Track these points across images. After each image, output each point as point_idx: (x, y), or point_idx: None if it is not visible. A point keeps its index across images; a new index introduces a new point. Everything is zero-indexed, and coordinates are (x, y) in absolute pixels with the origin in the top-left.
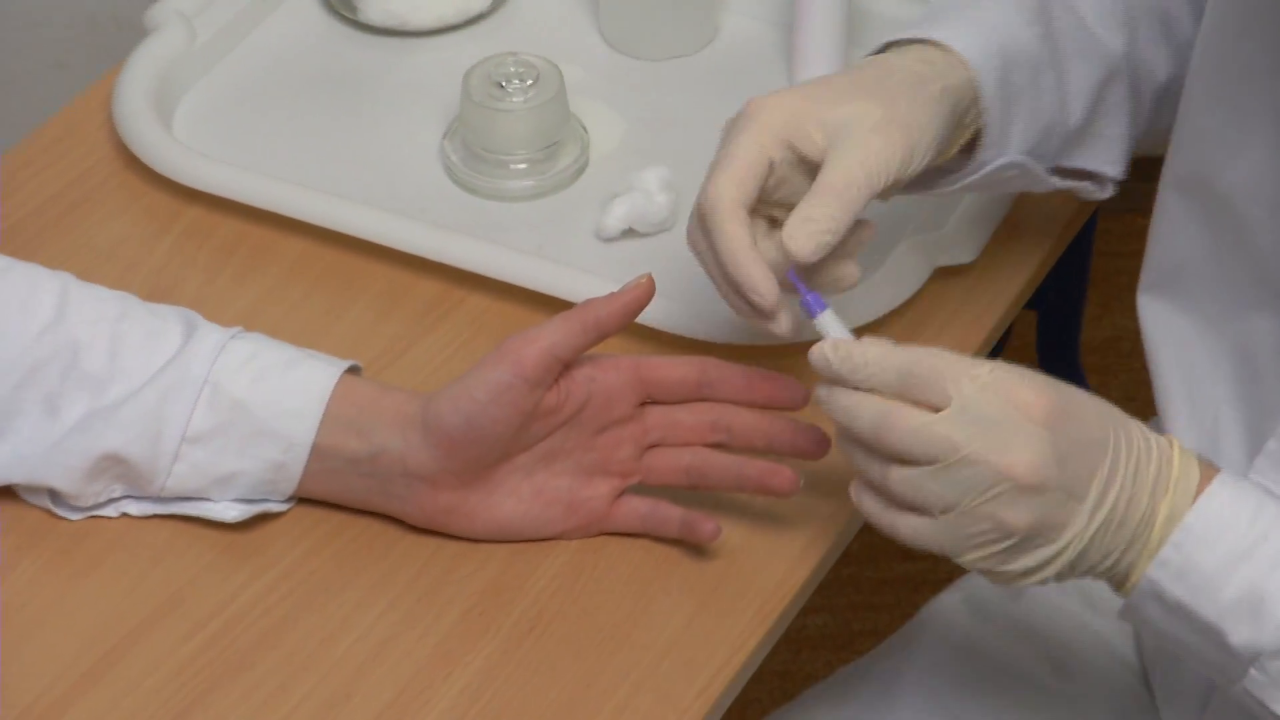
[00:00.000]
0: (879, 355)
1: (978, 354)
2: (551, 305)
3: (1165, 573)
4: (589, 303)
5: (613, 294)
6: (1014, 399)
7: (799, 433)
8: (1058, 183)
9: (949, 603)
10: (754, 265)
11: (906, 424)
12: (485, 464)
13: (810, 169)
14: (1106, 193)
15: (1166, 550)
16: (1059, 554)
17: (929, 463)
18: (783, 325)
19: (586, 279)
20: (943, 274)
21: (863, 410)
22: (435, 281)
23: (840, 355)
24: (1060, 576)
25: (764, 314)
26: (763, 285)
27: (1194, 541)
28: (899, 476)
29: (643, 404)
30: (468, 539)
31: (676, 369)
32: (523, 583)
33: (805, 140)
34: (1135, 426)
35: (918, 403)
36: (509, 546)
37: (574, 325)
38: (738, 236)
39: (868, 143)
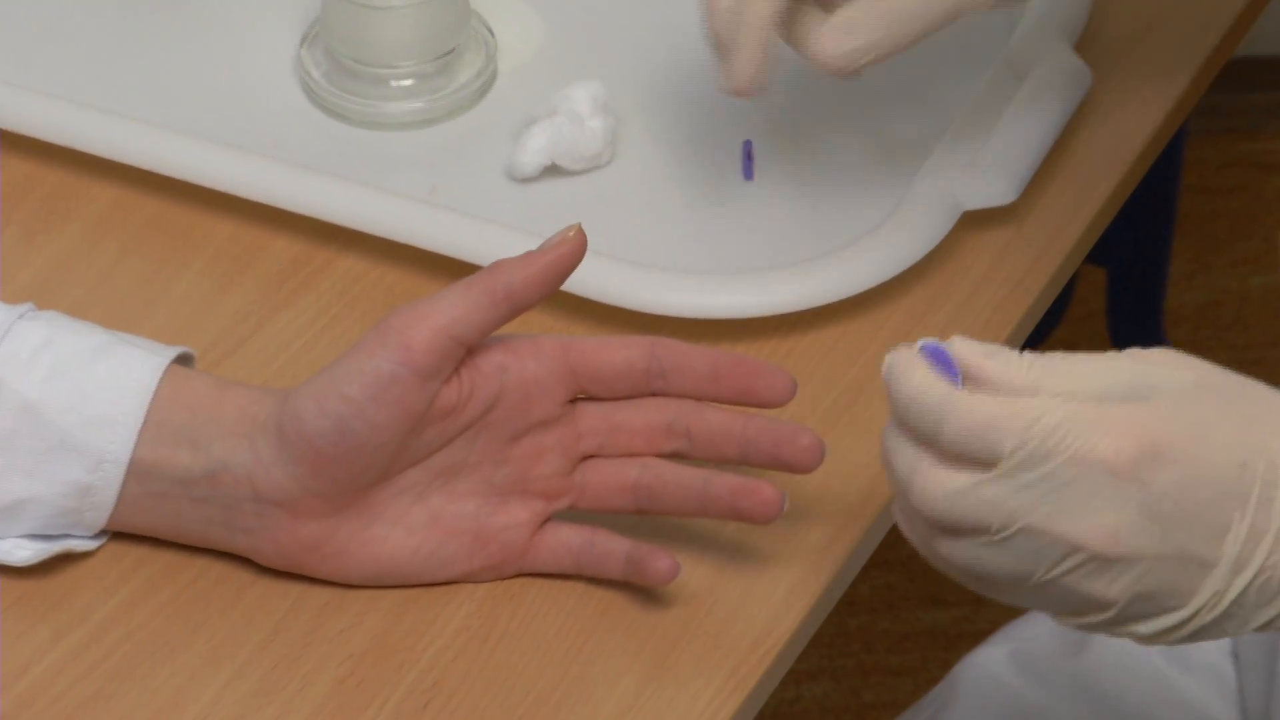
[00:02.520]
0: (919, 389)
1: (1020, 327)
2: (449, 269)
3: None
4: (499, 265)
5: (531, 253)
6: (1089, 448)
7: (783, 437)
8: None
9: (992, 658)
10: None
11: (942, 488)
12: (363, 484)
13: None
14: None
15: None
16: (1186, 621)
17: (979, 534)
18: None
19: (496, 233)
20: (974, 220)
21: (894, 462)
22: (293, 239)
23: (890, 372)
24: (1200, 639)
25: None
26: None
27: None
28: (948, 550)
29: (574, 401)
30: (341, 584)
31: (618, 353)
32: (415, 641)
33: None
34: None
35: (962, 457)
36: (397, 594)
37: (479, 296)
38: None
39: None
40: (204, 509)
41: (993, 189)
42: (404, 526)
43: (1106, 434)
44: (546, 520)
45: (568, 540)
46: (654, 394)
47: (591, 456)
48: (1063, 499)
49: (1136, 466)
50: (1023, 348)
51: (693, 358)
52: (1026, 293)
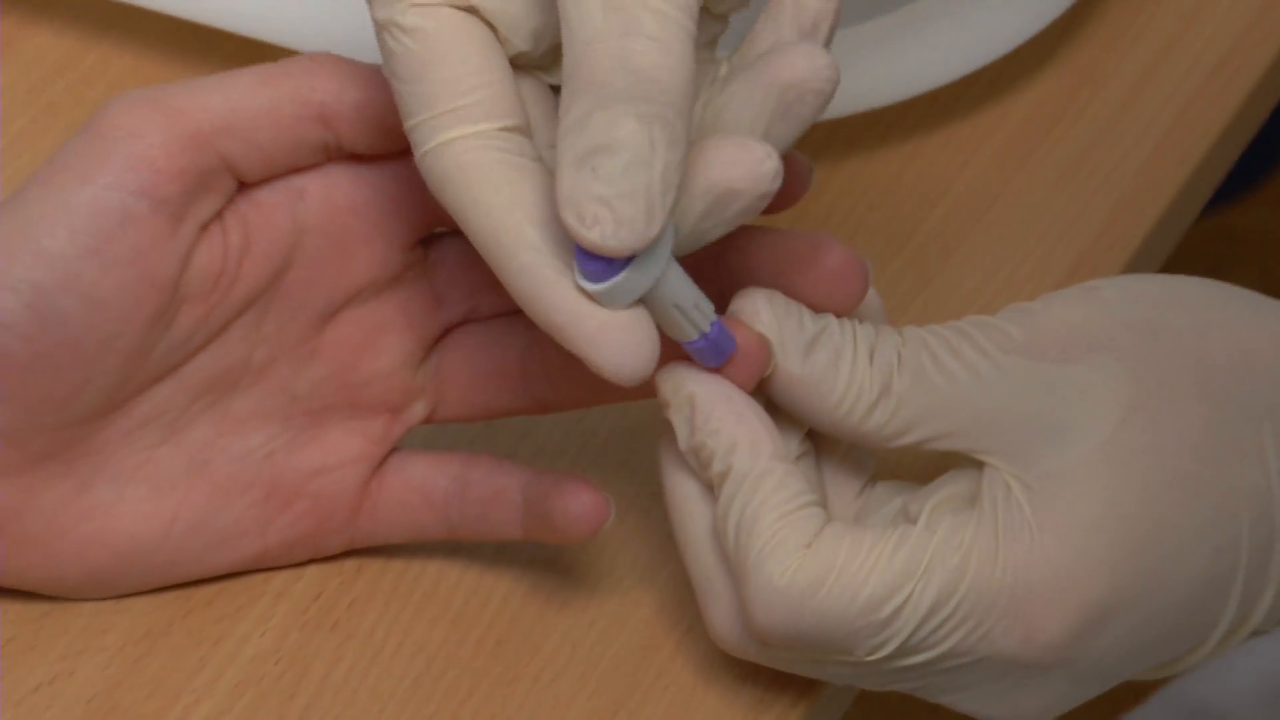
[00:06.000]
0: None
1: (1224, 141)
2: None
3: None
4: (321, 65)
5: None
6: (990, 646)
7: (795, 251)
8: None
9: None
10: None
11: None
12: (78, 413)
13: None
14: None
15: None
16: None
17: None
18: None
19: (354, 12)
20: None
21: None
22: (55, 32)
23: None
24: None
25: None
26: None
27: None
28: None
29: (425, 242)
30: (45, 595)
31: None
32: (168, 704)
33: None
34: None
35: None
36: (134, 619)
37: (280, 100)
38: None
39: None
40: None
41: None
42: (148, 482)
43: (1018, 623)
44: (390, 452)
45: (425, 483)
46: None
47: (463, 324)
48: (949, 682)
49: (1069, 648)
50: (1231, 185)
51: None
52: (1202, 134)
